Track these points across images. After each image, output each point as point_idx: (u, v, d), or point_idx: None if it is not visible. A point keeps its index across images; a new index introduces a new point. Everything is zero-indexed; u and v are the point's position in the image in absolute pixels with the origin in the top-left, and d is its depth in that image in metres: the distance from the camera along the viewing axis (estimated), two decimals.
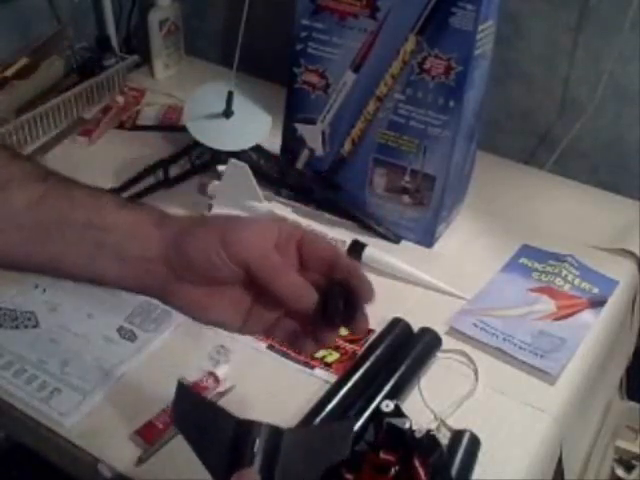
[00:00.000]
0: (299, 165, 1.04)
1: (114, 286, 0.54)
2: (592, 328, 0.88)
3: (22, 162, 0.56)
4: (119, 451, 0.72)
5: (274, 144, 1.06)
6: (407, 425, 0.65)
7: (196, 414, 0.53)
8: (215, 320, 0.57)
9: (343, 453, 0.54)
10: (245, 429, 0.51)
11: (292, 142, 1.03)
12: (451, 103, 0.89)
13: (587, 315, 0.89)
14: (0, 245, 0.52)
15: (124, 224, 0.52)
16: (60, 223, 0.52)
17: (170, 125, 1.22)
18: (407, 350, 0.80)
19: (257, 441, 0.50)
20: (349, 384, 0.76)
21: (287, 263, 0.52)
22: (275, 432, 0.51)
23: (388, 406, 0.67)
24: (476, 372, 0.82)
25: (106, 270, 0.53)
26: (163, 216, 0.54)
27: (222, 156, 1.01)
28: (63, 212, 0.52)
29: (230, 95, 1.05)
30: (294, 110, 1.01)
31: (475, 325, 0.86)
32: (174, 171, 1.08)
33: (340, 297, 0.53)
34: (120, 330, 0.84)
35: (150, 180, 1.07)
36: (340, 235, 0.96)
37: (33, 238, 0.52)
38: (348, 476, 0.65)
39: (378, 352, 0.80)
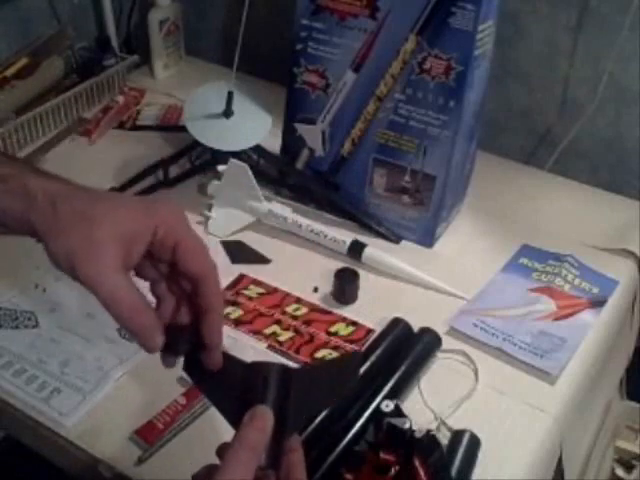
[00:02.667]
0: (299, 165, 1.04)
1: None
2: (592, 328, 0.88)
3: None
4: (119, 451, 0.72)
5: (274, 144, 1.06)
6: (407, 425, 0.65)
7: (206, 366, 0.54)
8: None
9: (352, 383, 0.56)
10: (255, 370, 0.52)
11: (292, 142, 1.03)
12: (451, 103, 0.90)
13: (587, 315, 0.89)
14: None
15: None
16: None
17: (170, 125, 1.22)
18: (407, 350, 0.80)
19: (268, 380, 0.51)
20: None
21: (139, 301, 0.49)
22: (285, 370, 0.52)
23: (388, 406, 0.67)
24: (476, 372, 0.82)
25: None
26: (29, 196, 0.51)
27: (222, 156, 1.01)
28: None
29: (230, 95, 1.05)
30: (294, 110, 1.01)
31: (475, 325, 0.86)
32: (174, 171, 1.08)
33: (184, 341, 0.53)
34: (120, 330, 0.84)
35: (150, 180, 1.07)
36: (340, 235, 0.96)
37: None
38: (348, 476, 0.66)
39: (378, 352, 0.80)
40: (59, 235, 0.48)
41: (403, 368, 0.78)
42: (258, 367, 0.53)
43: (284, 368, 0.53)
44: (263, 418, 0.50)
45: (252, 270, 0.94)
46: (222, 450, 0.52)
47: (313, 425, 0.71)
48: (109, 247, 0.48)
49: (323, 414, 0.73)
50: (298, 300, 0.90)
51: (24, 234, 0.52)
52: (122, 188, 1.03)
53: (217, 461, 0.52)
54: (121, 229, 0.49)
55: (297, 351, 0.83)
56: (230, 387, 0.53)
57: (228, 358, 0.55)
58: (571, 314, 0.89)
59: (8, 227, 0.52)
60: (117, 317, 0.49)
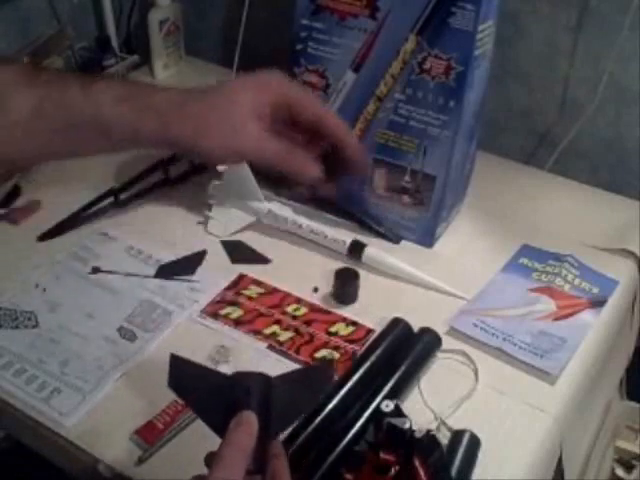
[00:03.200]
0: None
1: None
2: (592, 328, 0.88)
3: (12, 66, 0.60)
4: (119, 451, 0.72)
5: None
6: (407, 425, 0.65)
7: (191, 378, 0.58)
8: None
9: (326, 389, 0.63)
10: (238, 381, 0.56)
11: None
12: (451, 103, 0.90)
13: (587, 315, 0.89)
14: (15, 148, 0.59)
15: (126, 121, 0.58)
16: (65, 128, 0.59)
17: None
18: (407, 350, 0.80)
19: (250, 388, 0.55)
20: (349, 384, 0.76)
21: (287, 147, 0.59)
22: (265, 379, 0.56)
23: (388, 406, 0.67)
24: (476, 372, 0.82)
25: (124, 148, 0.64)
26: (157, 110, 0.60)
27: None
28: (64, 118, 0.58)
29: None
30: None
31: (475, 325, 0.86)
32: (174, 171, 1.08)
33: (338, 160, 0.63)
34: (120, 330, 0.84)
35: (150, 180, 1.07)
36: (340, 235, 0.96)
37: (46, 142, 0.59)
38: (348, 476, 0.66)
39: (378, 352, 0.80)
40: (204, 134, 0.58)
41: (403, 368, 0.78)
42: (239, 377, 0.57)
43: (264, 377, 0.56)
44: (249, 422, 0.53)
45: (252, 270, 0.94)
46: (210, 458, 0.54)
47: (313, 425, 0.72)
48: (250, 123, 0.58)
49: (323, 414, 0.73)
50: (298, 300, 0.90)
51: (157, 147, 0.63)
52: (122, 188, 1.03)
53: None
54: (250, 105, 0.59)
55: (297, 351, 0.83)
56: (214, 398, 0.56)
57: (210, 372, 0.59)
58: (571, 314, 0.89)
59: (141, 144, 0.58)
60: (279, 165, 0.60)
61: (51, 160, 0.62)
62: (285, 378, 0.59)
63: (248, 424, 0.53)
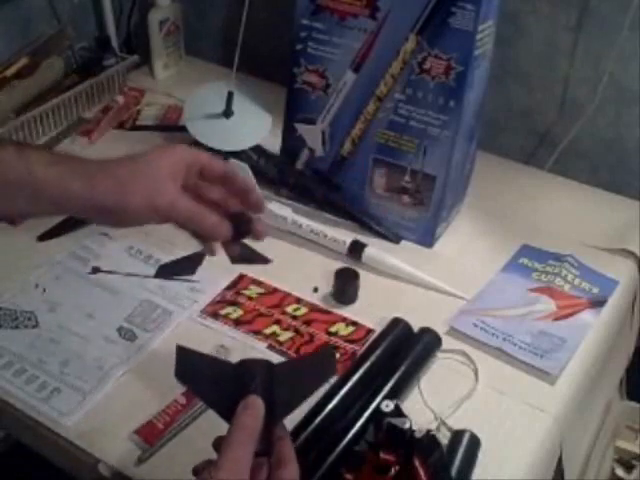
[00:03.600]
0: (299, 165, 1.04)
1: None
2: (592, 328, 0.88)
3: None
4: (119, 451, 0.72)
5: (274, 144, 1.06)
6: (407, 425, 0.65)
7: (197, 367, 0.60)
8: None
9: (330, 374, 0.63)
10: (243, 367, 0.58)
11: (292, 142, 1.03)
12: (451, 103, 0.90)
13: (587, 315, 0.89)
14: None
15: (55, 180, 0.61)
16: None
17: (170, 125, 1.22)
18: (407, 350, 0.80)
19: (255, 374, 0.57)
20: (349, 384, 0.76)
21: (202, 208, 0.64)
22: (269, 365, 0.58)
23: (388, 406, 0.67)
24: (476, 372, 0.82)
25: (48, 212, 0.65)
26: (90, 167, 0.65)
27: (222, 156, 1.01)
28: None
29: (230, 95, 1.05)
30: (294, 110, 1.01)
31: (475, 325, 0.86)
32: None
33: (244, 222, 0.68)
34: (120, 330, 0.84)
35: None
36: (340, 235, 0.97)
37: None
38: (348, 476, 0.66)
39: (378, 352, 0.80)
40: (131, 193, 0.62)
41: (403, 368, 0.78)
42: (245, 364, 0.58)
43: (268, 363, 0.58)
44: (255, 406, 0.55)
45: (252, 270, 0.94)
46: (218, 442, 0.55)
47: (313, 425, 0.72)
48: (168, 183, 0.63)
49: (323, 414, 0.73)
50: (298, 300, 0.90)
51: (84, 212, 0.64)
52: None
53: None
54: (170, 169, 0.64)
55: (297, 351, 0.83)
56: (221, 386, 0.58)
57: (216, 360, 0.62)
58: (571, 314, 0.89)
59: (70, 205, 0.63)
60: (196, 223, 0.64)
61: None
62: (288, 365, 0.61)
63: (255, 408, 0.54)
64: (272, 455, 0.55)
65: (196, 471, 0.55)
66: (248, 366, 0.58)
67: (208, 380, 0.58)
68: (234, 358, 0.80)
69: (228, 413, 0.55)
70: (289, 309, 0.88)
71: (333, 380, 0.77)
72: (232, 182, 0.67)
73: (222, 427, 0.55)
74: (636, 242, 1.00)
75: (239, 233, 0.68)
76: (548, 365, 0.81)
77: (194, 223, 0.64)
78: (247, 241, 0.98)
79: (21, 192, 0.60)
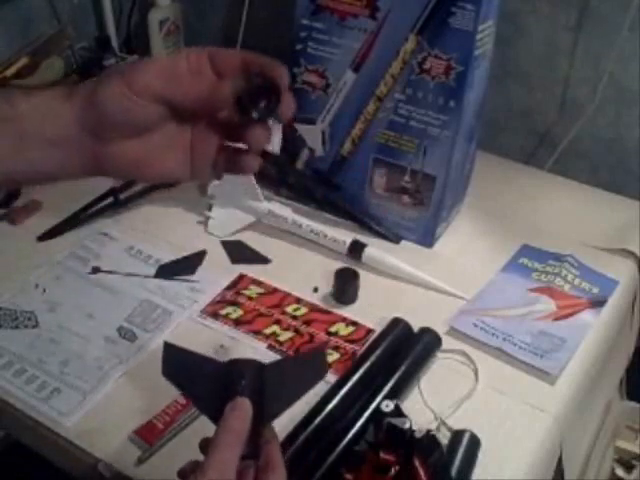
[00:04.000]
0: (299, 165, 1.04)
1: (48, 177, 0.56)
2: (592, 328, 0.88)
3: None
4: (119, 451, 0.72)
5: (274, 144, 1.05)
6: (407, 425, 0.65)
7: (184, 366, 0.58)
8: (162, 173, 0.57)
9: (321, 376, 0.61)
10: (232, 367, 0.56)
11: (292, 142, 1.03)
12: (451, 103, 0.90)
13: (587, 315, 0.89)
14: None
15: (36, 108, 0.53)
16: None
17: None
18: (407, 350, 0.80)
19: (244, 375, 0.55)
20: (349, 384, 0.76)
21: (198, 78, 0.53)
22: (258, 365, 0.56)
23: (388, 406, 0.67)
24: (476, 372, 0.82)
25: (35, 159, 0.54)
26: (70, 89, 0.54)
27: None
28: None
29: None
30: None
31: (475, 325, 0.86)
32: None
33: (257, 90, 0.54)
34: (120, 330, 0.84)
35: None
36: (340, 235, 0.96)
37: None
38: (348, 476, 0.66)
39: (378, 352, 0.80)
40: (110, 79, 0.52)
41: (403, 368, 0.78)
42: (233, 364, 0.56)
43: (257, 364, 0.57)
44: (243, 408, 0.53)
45: (252, 270, 0.94)
46: (205, 444, 0.54)
47: (313, 425, 0.72)
48: (160, 66, 0.53)
49: (323, 414, 0.73)
50: (298, 300, 0.90)
51: (64, 145, 0.53)
52: (122, 188, 1.03)
53: None
54: (157, 61, 0.54)
55: (297, 351, 0.83)
56: (209, 386, 0.56)
57: (204, 359, 0.59)
58: (571, 314, 0.89)
59: (51, 129, 0.53)
60: (180, 93, 0.52)
61: None
62: (279, 365, 0.59)
63: (242, 410, 0.53)
64: (259, 458, 0.53)
65: (181, 473, 0.54)
66: (237, 366, 0.57)
67: (196, 380, 0.57)
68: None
69: (215, 414, 0.54)
70: (289, 309, 0.88)
71: (333, 380, 0.77)
72: (250, 63, 0.56)
73: None
74: (636, 242, 1.00)
75: (244, 106, 0.54)
76: (548, 365, 0.81)
77: (181, 85, 0.52)
78: (248, 241, 0.99)
79: (5, 131, 0.53)
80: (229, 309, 0.88)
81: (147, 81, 0.52)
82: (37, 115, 0.53)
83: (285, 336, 0.85)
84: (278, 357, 0.82)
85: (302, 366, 0.61)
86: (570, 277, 0.94)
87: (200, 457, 0.55)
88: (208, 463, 0.50)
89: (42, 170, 0.55)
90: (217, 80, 0.54)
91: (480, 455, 0.71)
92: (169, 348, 0.59)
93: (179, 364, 0.58)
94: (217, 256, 0.96)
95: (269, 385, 0.56)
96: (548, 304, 0.89)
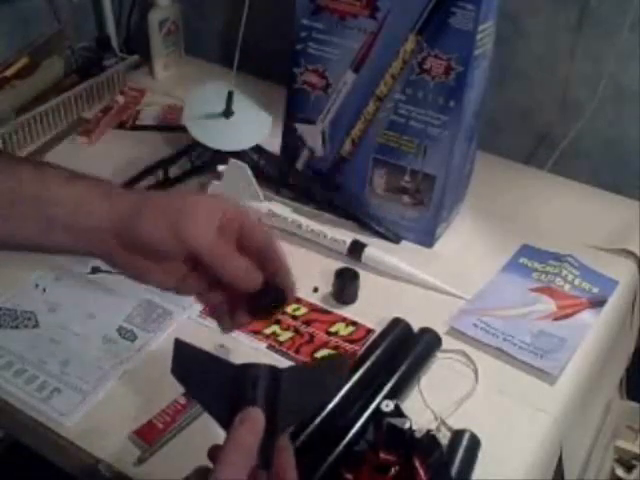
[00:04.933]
0: (299, 165, 1.04)
1: (65, 254, 0.59)
2: (592, 328, 0.88)
3: None
4: (119, 451, 0.72)
5: (274, 144, 1.06)
6: (407, 425, 0.65)
7: (195, 365, 0.55)
8: (153, 282, 0.60)
9: (339, 385, 0.58)
10: (245, 372, 0.53)
11: (292, 142, 1.03)
12: (451, 103, 0.90)
13: (587, 315, 0.89)
14: None
15: (72, 197, 0.55)
16: (10, 201, 0.55)
17: (170, 125, 1.22)
18: (407, 350, 0.80)
19: (258, 381, 0.52)
20: (349, 384, 0.76)
21: (231, 249, 0.56)
22: (274, 371, 0.53)
23: (388, 406, 0.67)
24: (476, 372, 0.82)
25: (58, 242, 0.56)
26: (110, 188, 0.57)
27: (222, 156, 1.01)
28: (11, 190, 0.55)
29: (230, 95, 1.05)
30: (294, 110, 1.01)
31: (475, 325, 0.86)
32: (174, 171, 1.08)
33: (270, 297, 0.57)
34: (120, 330, 0.84)
35: (150, 180, 1.07)
36: (340, 235, 0.96)
37: None
38: (348, 476, 0.66)
39: (378, 352, 0.80)
40: (151, 206, 0.55)
41: (403, 368, 0.78)
42: (247, 369, 0.53)
43: (273, 369, 0.53)
44: (254, 420, 0.50)
45: None
46: (214, 452, 0.52)
47: (313, 425, 0.71)
48: (201, 214, 0.55)
49: (323, 414, 0.73)
50: (298, 300, 0.90)
51: (93, 239, 0.55)
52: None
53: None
54: (203, 205, 0.57)
55: (297, 351, 0.83)
56: (219, 389, 0.53)
57: (216, 360, 0.56)
58: (571, 314, 0.89)
59: (80, 228, 0.55)
60: (220, 259, 0.55)
61: None
62: (295, 372, 0.56)
63: (254, 422, 0.50)
64: (271, 468, 0.51)
65: None
66: (252, 371, 0.53)
67: (207, 382, 0.54)
68: (234, 358, 0.80)
69: (226, 421, 0.51)
70: (289, 309, 0.88)
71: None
72: (269, 258, 0.57)
73: (221, 429, 0.54)
74: (636, 242, 1.00)
75: (255, 309, 0.58)
76: (548, 365, 0.81)
77: (223, 261, 0.55)
78: None
79: (35, 212, 0.54)
80: None
81: (191, 236, 0.54)
82: (70, 205, 0.55)
83: (285, 336, 0.85)
84: (278, 357, 0.82)
85: (321, 373, 0.57)
86: (570, 277, 0.94)
87: (201, 457, 0.55)
88: (215, 478, 0.48)
89: (57, 249, 0.57)
90: (251, 266, 0.56)
91: (480, 455, 0.71)
92: (180, 346, 0.56)
93: (189, 364, 0.55)
94: None
95: (284, 393, 0.52)
96: (548, 304, 0.89)
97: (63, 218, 0.55)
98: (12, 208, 0.55)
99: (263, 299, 0.57)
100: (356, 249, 0.95)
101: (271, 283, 0.57)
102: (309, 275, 0.93)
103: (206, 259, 0.55)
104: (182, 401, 0.75)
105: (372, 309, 0.88)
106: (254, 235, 0.57)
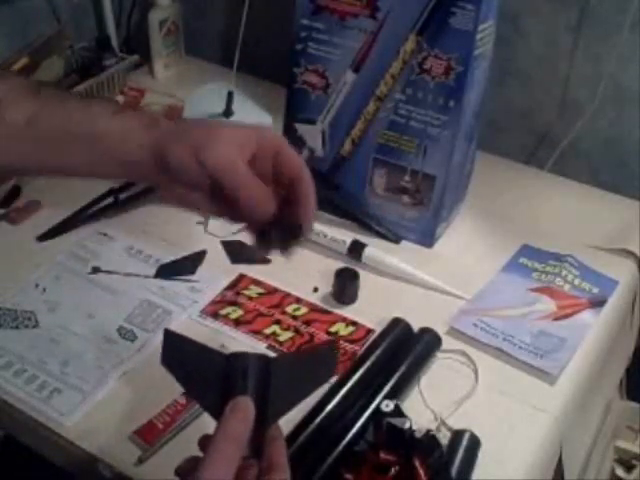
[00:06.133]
0: None
1: (117, 179, 0.65)
2: (592, 328, 0.88)
3: (12, 79, 0.62)
4: (119, 451, 0.72)
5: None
6: (407, 425, 0.65)
7: (185, 356, 0.55)
8: (194, 208, 0.64)
9: (330, 374, 0.58)
10: (235, 361, 0.53)
11: (292, 142, 1.02)
12: (451, 103, 0.90)
13: (587, 315, 0.89)
14: (5, 158, 0.58)
15: (117, 131, 0.57)
16: (59, 137, 0.57)
17: None
18: (407, 350, 0.80)
19: (248, 371, 0.52)
20: (349, 384, 0.76)
21: (253, 175, 0.57)
22: (264, 360, 0.53)
23: (388, 406, 0.68)
24: (476, 372, 0.82)
25: (108, 171, 0.59)
26: (152, 119, 0.59)
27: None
28: (60, 126, 0.57)
29: (230, 95, 1.05)
30: (294, 110, 1.01)
31: (475, 325, 0.86)
32: None
33: (285, 231, 0.59)
34: (120, 330, 0.84)
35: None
36: (340, 235, 0.97)
37: (36, 151, 0.58)
38: (348, 476, 0.66)
39: (378, 352, 0.80)
40: (183, 137, 0.56)
41: (403, 368, 0.78)
42: (237, 358, 0.53)
43: (263, 358, 0.53)
44: (244, 409, 0.51)
45: (252, 270, 0.94)
46: (204, 441, 0.52)
47: (313, 425, 0.72)
48: (227, 144, 0.56)
49: (323, 414, 0.73)
50: (298, 300, 0.90)
51: (137, 168, 0.58)
52: (122, 188, 1.03)
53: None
54: (235, 135, 0.58)
55: (297, 351, 0.83)
56: (210, 379, 0.53)
57: (206, 350, 0.55)
58: (571, 314, 0.89)
59: (127, 157, 0.57)
60: (235, 184, 0.56)
61: (33, 174, 0.64)
62: (285, 360, 0.57)
63: (244, 411, 0.51)
64: (262, 458, 0.51)
65: (180, 471, 0.53)
66: (241, 360, 0.53)
67: (197, 372, 0.54)
68: None
69: (216, 409, 0.51)
70: (289, 309, 0.88)
71: (333, 380, 0.77)
72: (298, 190, 0.59)
73: None
74: (636, 242, 1.00)
75: (261, 242, 0.59)
76: (548, 365, 0.81)
77: (246, 189, 0.56)
78: (248, 241, 0.99)
79: (85, 146, 0.57)
80: (229, 309, 0.88)
81: (210, 157, 0.56)
82: (116, 137, 0.57)
83: (285, 336, 0.85)
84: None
85: (311, 362, 0.57)
86: (570, 277, 0.94)
87: (199, 453, 0.55)
88: (204, 467, 0.48)
89: (108, 177, 0.63)
90: (265, 196, 0.57)
91: (480, 455, 0.71)
92: (170, 336, 0.56)
93: (179, 354, 0.55)
94: (217, 256, 0.96)
95: (275, 382, 0.53)
96: (548, 304, 0.89)
97: (111, 151, 0.57)
98: (63, 143, 0.57)
99: (277, 232, 0.59)
100: (356, 249, 0.95)
101: (286, 217, 0.58)
102: (309, 275, 0.93)
103: (223, 182, 0.56)
104: (182, 401, 0.75)
105: (372, 309, 0.88)
106: (288, 162, 0.59)
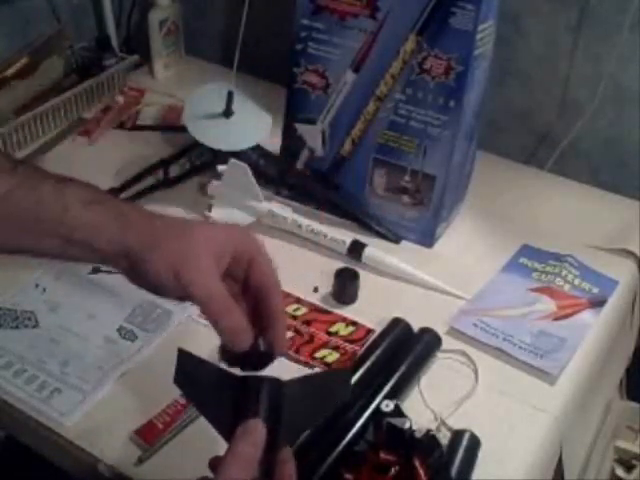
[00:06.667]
0: (299, 165, 1.04)
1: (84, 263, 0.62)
2: (592, 328, 0.88)
3: None
4: (119, 451, 0.72)
5: (274, 144, 1.06)
6: (407, 425, 0.65)
7: (198, 376, 0.55)
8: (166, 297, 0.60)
9: (344, 398, 0.57)
10: (248, 383, 0.53)
11: (292, 142, 1.03)
12: (451, 103, 0.90)
13: (587, 315, 0.89)
14: None
15: (87, 224, 0.56)
16: (28, 220, 0.57)
17: (170, 125, 1.22)
18: (407, 350, 0.80)
19: (260, 393, 0.52)
20: None
21: (232, 303, 0.55)
22: (277, 384, 0.53)
23: (388, 406, 0.68)
24: (476, 372, 0.82)
25: (77, 256, 0.58)
26: (127, 213, 0.57)
27: (222, 156, 1.01)
28: (31, 210, 0.57)
29: (230, 95, 1.05)
30: (294, 110, 1.01)
31: (475, 325, 0.86)
32: (174, 171, 1.08)
33: (255, 358, 0.56)
34: (120, 330, 0.84)
35: (150, 180, 1.07)
36: (340, 235, 0.96)
37: (3, 229, 0.58)
38: (348, 476, 0.66)
39: (378, 352, 0.80)
40: (159, 247, 0.55)
41: (403, 368, 0.78)
42: (250, 380, 0.53)
43: (276, 381, 0.53)
44: (256, 432, 0.51)
45: None
46: (215, 462, 0.52)
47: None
48: (206, 258, 0.55)
49: None
50: (298, 300, 0.90)
51: (108, 259, 0.57)
52: (122, 188, 1.03)
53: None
54: (212, 245, 0.56)
55: (297, 351, 0.83)
56: (222, 400, 0.53)
57: (220, 371, 0.56)
58: (571, 314, 0.89)
59: (97, 249, 0.57)
60: (214, 315, 0.54)
61: (2, 251, 0.63)
62: (298, 384, 0.56)
63: (255, 434, 0.51)
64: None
65: None
66: (254, 383, 0.53)
67: (209, 392, 0.54)
68: None
69: (227, 432, 0.51)
70: (289, 309, 0.88)
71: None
72: (268, 302, 0.57)
73: None
74: (636, 242, 1.00)
75: (252, 363, 0.57)
76: (548, 365, 0.81)
77: (222, 317, 0.54)
78: None
79: (52, 231, 0.57)
80: None
81: (191, 283, 0.54)
82: (86, 230, 0.56)
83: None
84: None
85: (324, 386, 0.57)
86: (570, 277, 0.94)
87: (201, 458, 0.55)
88: None
89: (75, 261, 0.60)
90: (243, 327, 0.55)
91: (480, 455, 0.71)
92: (183, 356, 0.56)
93: (192, 374, 0.55)
94: None
95: (287, 405, 0.52)
96: (548, 304, 0.89)
97: (80, 240, 0.56)
98: (33, 224, 0.57)
99: (249, 357, 0.56)
100: (356, 249, 0.95)
101: (258, 343, 0.56)
102: (309, 275, 0.93)
103: (202, 309, 0.55)
104: (182, 401, 0.75)
105: (372, 309, 0.88)
106: (260, 273, 0.57)
